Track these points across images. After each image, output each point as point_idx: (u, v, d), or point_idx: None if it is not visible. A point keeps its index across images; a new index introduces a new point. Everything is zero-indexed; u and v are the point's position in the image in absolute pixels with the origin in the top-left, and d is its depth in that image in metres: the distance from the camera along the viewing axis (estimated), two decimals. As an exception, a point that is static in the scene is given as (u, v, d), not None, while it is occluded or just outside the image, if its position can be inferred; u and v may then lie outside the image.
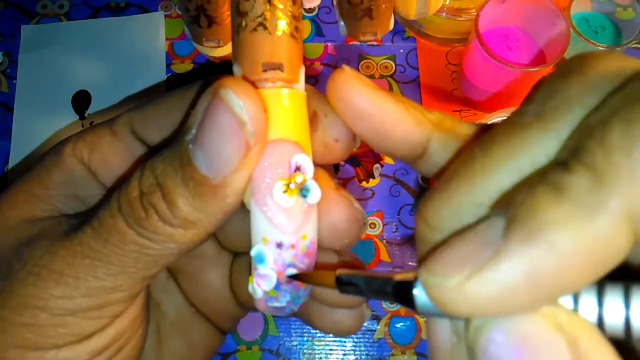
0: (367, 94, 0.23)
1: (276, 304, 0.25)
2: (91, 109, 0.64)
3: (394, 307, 0.57)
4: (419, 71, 0.65)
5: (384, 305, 0.57)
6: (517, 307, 0.16)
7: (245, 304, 0.33)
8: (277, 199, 0.23)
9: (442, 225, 0.19)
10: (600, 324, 0.17)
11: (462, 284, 0.16)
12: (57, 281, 0.23)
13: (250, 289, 0.25)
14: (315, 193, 0.24)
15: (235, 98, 0.21)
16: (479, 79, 0.60)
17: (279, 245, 0.23)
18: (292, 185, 0.23)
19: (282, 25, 0.23)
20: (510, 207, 0.16)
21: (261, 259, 0.24)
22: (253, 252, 0.24)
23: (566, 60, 0.18)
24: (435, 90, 0.65)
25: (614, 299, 0.16)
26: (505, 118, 0.19)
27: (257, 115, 0.22)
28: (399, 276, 0.19)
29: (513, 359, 0.16)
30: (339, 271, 0.22)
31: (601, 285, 0.17)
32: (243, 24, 0.23)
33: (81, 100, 0.64)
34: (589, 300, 0.17)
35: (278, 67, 0.23)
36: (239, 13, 0.23)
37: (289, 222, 0.23)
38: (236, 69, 0.24)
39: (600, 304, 0.16)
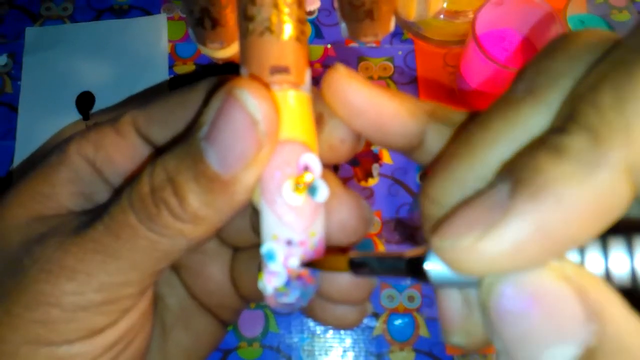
0: (363, 90, 0.24)
1: (286, 300, 0.25)
2: (95, 110, 0.64)
3: (393, 305, 0.58)
4: (417, 73, 0.66)
5: (382, 303, 0.58)
6: (528, 261, 0.17)
7: (246, 297, 0.33)
8: (286, 197, 0.23)
9: (447, 200, 0.20)
10: (607, 275, 0.18)
11: (474, 243, 0.17)
12: (68, 277, 0.23)
13: (260, 285, 0.25)
14: (323, 191, 0.24)
15: (250, 98, 0.22)
16: (476, 80, 0.61)
17: (289, 243, 0.24)
18: (300, 185, 0.24)
19: (288, 29, 0.24)
20: (514, 171, 0.17)
21: (271, 256, 0.24)
22: (263, 250, 0.24)
23: (550, 41, 0.20)
24: (433, 92, 0.65)
25: (618, 250, 0.17)
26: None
27: (270, 115, 0.22)
28: (410, 253, 0.20)
29: (524, 309, 0.17)
30: (352, 254, 0.22)
31: (605, 239, 0.18)
32: (250, 28, 0.24)
33: (85, 101, 0.64)
34: (594, 255, 0.18)
35: (285, 70, 0.24)
36: (246, 17, 0.24)
37: (299, 220, 0.24)
38: (244, 72, 0.24)
39: (605, 256, 0.17)
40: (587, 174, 0.16)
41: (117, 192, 0.26)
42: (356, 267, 0.22)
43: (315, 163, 0.24)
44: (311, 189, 0.24)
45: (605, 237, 0.18)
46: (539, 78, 0.19)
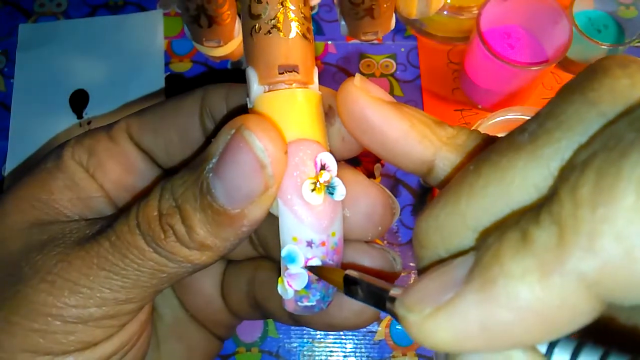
0: (373, 106, 0.23)
1: (307, 303, 0.25)
2: (89, 108, 0.63)
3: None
4: (420, 70, 0.65)
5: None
6: (474, 349, 0.16)
7: (237, 313, 0.33)
8: (306, 197, 0.23)
9: (430, 244, 0.19)
10: None
11: (421, 321, 0.16)
12: (72, 290, 0.24)
13: (280, 290, 0.25)
14: (341, 190, 0.24)
15: (257, 141, 0.22)
16: (480, 77, 0.60)
17: (310, 244, 0.24)
18: (319, 184, 0.23)
19: (296, 27, 0.24)
20: (480, 248, 0.16)
21: (292, 259, 0.24)
22: (284, 253, 0.24)
23: (580, 72, 0.16)
24: (437, 90, 0.64)
25: None
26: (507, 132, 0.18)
27: (278, 159, 0.22)
28: (394, 292, 0.19)
29: None
30: (348, 271, 0.22)
31: (581, 344, 0.16)
32: (256, 26, 0.23)
33: (79, 100, 0.63)
34: (562, 357, 0.17)
35: (293, 69, 0.23)
36: (252, 16, 0.24)
37: (319, 220, 0.24)
38: (251, 71, 0.24)
39: None
40: (542, 278, 0.14)
41: (122, 211, 0.26)
42: (350, 284, 0.22)
43: (331, 161, 0.24)
44: (329, 188, 0.24)
45: (582, 342, 0.16)
46: (547, 124, 0.16)
